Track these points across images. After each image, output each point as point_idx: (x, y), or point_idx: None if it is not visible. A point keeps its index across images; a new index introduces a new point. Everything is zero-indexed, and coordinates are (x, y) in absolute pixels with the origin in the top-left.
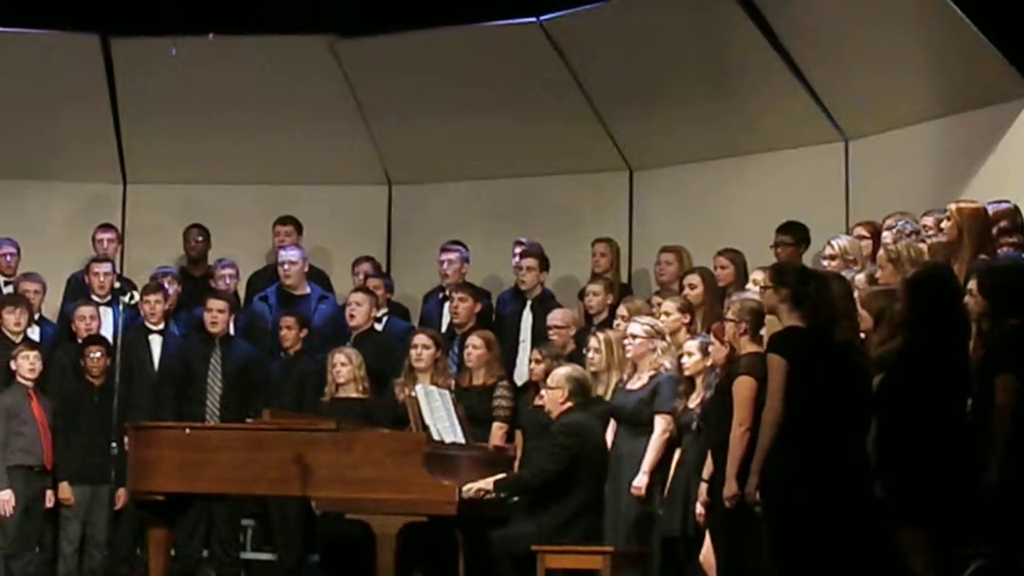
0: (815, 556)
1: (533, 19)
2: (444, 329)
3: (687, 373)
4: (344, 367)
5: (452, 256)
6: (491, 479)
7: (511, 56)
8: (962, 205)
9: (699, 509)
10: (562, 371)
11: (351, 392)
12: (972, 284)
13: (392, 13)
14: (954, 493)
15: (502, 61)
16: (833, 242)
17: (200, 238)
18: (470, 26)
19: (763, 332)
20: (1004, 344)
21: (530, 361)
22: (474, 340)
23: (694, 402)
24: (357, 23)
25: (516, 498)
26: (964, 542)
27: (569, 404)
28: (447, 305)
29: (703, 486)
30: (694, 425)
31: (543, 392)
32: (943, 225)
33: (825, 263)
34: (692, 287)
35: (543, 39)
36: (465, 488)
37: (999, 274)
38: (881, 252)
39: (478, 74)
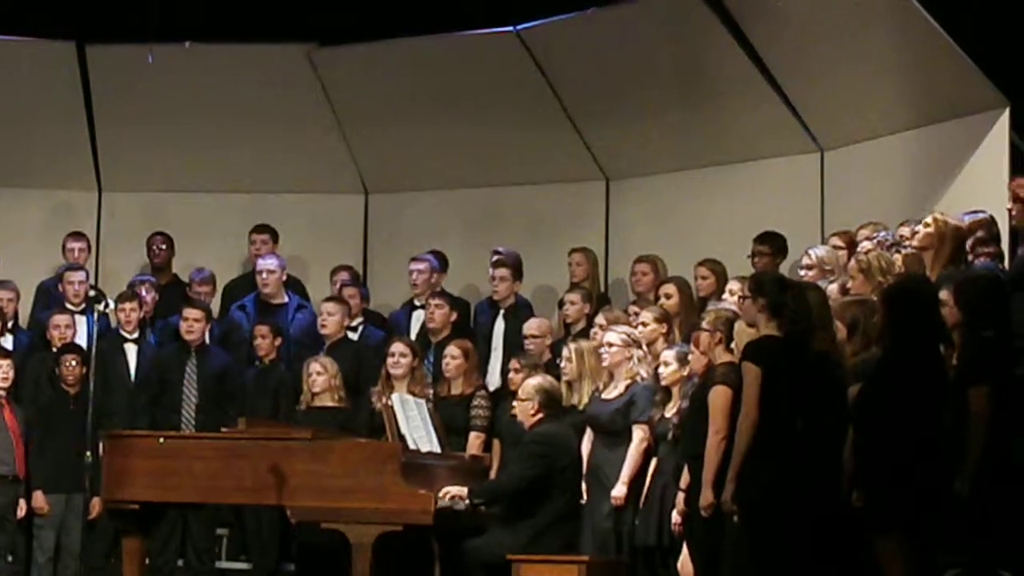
0: (791, 565)
1: (510, 28)
2: (414, 338)
3: (664, 383)
4: (320, 376)
5: (421, 267)
6: (466, 487)
7: (488, 65)
8: (946, 217)
9: (675, 518)
10: (532, 382)
11: (327, 401)
12: (945, 294)
13: (369, 22)
14: (930, 502)
15: (479, 70)
16: (810, 252)
17: (164, 246)
18: (447, 35)
19: (733, 344)
20: (979, 355)
21: (507, 370)
22: (452, 350)
23: (670, 411)
24: (334, 32)
25: (485, 507)
26: (940, 550)
27: (540, 415)
28: (415, 315)
29: (680, 495)
30: (670, 435)
31: (515, 403)
32: (918, 230)
33: (802, 273)
34: (668, 296)
35: (520, 48)
36: (440, 493)
37: (975, 285)
38: (852, 262)
39: (455, 83)
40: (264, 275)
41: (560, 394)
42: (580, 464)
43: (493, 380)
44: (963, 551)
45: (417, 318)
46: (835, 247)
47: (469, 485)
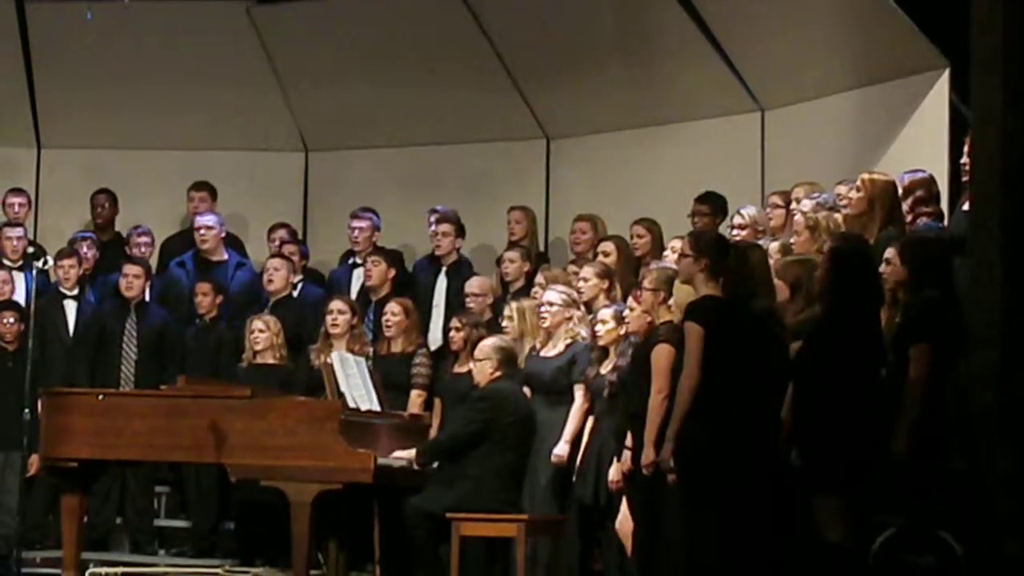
0: (729, 524)
1: None
2: (355, 296)
3: (601, 343)
4: (263, 334)
5: (363, 224)
6: (413, 450)
7: (430, 23)
8: (875, 176)
9: (612, 476)
10: (489, 342)
11: (269, 359)
12: (889, 254)
13: None
14: (869, 461)
15: (420, 28)
16: (742, 211)
17: (107, 203)
18: None
19: (671, 302)
20: (921, 314)
21: (449, 328)
22: (393, 307)
23: (606, 368)
24: None
25: (435, 464)
26: (879, 510)
27: (498, 374)
28: (356, 272)
29: (626, 454)
30: (606, 392)
31: (471, 364)
32: (851, 195)
33: (734, 233)
34: (606, 255)
35: (461, 6)
36: (393, 456)
37: (921, 245)
38: (799, 218)
39: (396, 41)
40: (202, 231)
41: (516, 353)
42: (531, 422)
43: (435, 338)
44: (901, 511)
45: (358, 276)
46: (775, 206)
47: (416, 447)
